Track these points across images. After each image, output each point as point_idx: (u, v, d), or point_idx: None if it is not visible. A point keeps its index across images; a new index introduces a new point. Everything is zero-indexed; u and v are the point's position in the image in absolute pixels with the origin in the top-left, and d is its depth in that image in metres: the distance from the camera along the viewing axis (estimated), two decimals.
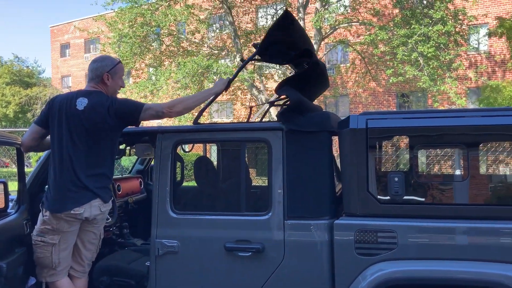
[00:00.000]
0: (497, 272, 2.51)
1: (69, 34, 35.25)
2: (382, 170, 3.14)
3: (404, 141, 3.01)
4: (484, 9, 18.79)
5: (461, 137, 2.78)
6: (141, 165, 5.10)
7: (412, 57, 13.50)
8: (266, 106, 3.85)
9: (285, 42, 3.20)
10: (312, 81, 3.24)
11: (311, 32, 17.07)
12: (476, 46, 19.20)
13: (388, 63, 15.62)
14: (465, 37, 15.53)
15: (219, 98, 19.48)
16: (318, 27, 15.44)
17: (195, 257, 3.05)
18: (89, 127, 3.03)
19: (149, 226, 3.17)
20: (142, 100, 17.02)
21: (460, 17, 14.60)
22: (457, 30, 14.52)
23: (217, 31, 18.92)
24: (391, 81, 14.88)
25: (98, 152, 3.07)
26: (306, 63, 3.23)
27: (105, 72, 3.15)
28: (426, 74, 13.61)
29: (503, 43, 16.76)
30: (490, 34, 15.20)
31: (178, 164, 3.73)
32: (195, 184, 3.75)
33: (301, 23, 16.08)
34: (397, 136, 3.05)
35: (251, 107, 4.21)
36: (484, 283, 2.55)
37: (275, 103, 3.57)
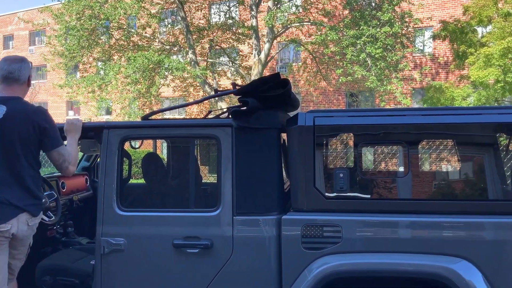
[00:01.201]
0: (436, 264, 2.63)
1: (12, 25, 33.66)
2: (328, 166, 3.22)
3: (350, 138, 3.09)
4: (429, 13, 19.55)
5: (403, 134, 2.89)
6: (87, 162, 4.96)
7: (361, 57, 13.87)
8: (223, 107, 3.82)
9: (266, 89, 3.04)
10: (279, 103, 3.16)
11: (263, 31, 17.17)
12: (421, 48, 19.96)
13: (338, 63, 15.96)
14: (411, 39, 16.12)
15: (170, 94, 19.16)
16: (271, 25, 15.55)
17: (142, 254, 3.01)
18: (10, 136, 2.73)
19: (95, 224, 3.09)
20: (90, 95, 16.56)
21: (406, 19, 15.13)
22: (403, 32, 15.04)
23: (169, 26, 18.64)
24: (340, 80, 15.22)
25: (20, 165, 2.77)
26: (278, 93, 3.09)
27: (29, 73, 2.89)
28: (373, 74, 14.03)
29: (446, 46, 17.52)
30: (434, 37, 15.85)
31: (126, 161, 3.66)
32: (144, 182, 3.69)
33: (254, 21, 16.14)
34: (344, 134, 3.13)
35: (209, 111, 4.18)
36: (424, 275, 2.67)
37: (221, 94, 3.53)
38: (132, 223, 3.05)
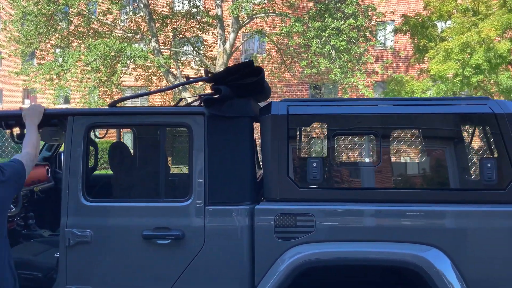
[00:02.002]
0: (406, 252, 2.67)
1: None
2: (302, 156, 3.20)
3: (324, 127, 3.08)
4: (390, 7, 19.90)
5: (378, 124, 2.90)
6: (49, 152, 4.76)
7: (325, 49, 13.97)
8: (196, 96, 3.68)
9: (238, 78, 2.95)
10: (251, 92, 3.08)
11: (228, 20, 17.02)
12: (383, 42, 20.31)
13: (303, 55, 16.03)
14: (374, 32, 16.37)
15: (131, 84, 18.72)
16: (236, 15, 15.42)
17: (110, 246, 2.91)
18: None
19: (58, 217, 2.96)
20: (48, 84, 15.96)
21: (370, 13, 15.33)
22: (366, 25, 15.25)
23: (131, 13, 18.16)
24: (305, 72, 15.30)
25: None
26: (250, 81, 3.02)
27: None
28: (337, 66, 14.17)
29: (407, 40, 17.89)
30: (395, 31, 16.13)
31: (92, 150, 3.53)
32: (110, 172, 3.57)
33: (218, 10, 15.97)
34: (317, 123, 3.11)
35: (180, 99, 4.02)
36: (394, 262, 2.70)
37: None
38: (99, 214, 2.95)
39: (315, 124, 3.12)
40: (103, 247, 2.91)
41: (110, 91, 16.66)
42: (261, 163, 3.27)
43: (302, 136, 3.08)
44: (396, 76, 15.15)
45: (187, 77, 3.28)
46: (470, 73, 12.32)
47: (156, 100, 21.97)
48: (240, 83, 2.93)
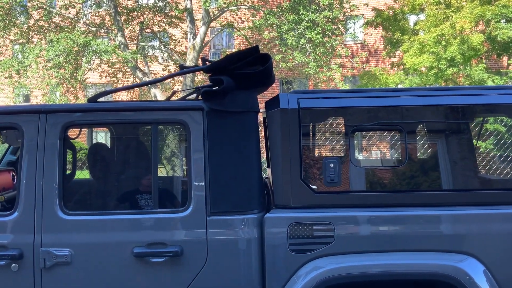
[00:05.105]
0: (444, 263, 2.34)
1: None
2: (317, 155, 2.83)
3: (341, 123, 2.70)
4: (359, 0, 19.79)
5: (406, 118, 2.55)
6: (14, 156, 4.22)
7: (301, 42, 13.67)
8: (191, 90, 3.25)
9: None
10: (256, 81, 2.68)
11: (196, 15, 16.47)
12: (355, 35, 20.21)
13: (278, 49, 15.67)
14: (346, 26, 16.20)
15: (96, 81, 17.96)
16: (207, 7, 14.89)
17: (95, 267, 2.49)
18: None
19: None
20: (7, 81, 15.05)
21: (345, 5, 15.14)
22: (341, 18, 15.05)
23: (94, 7, 17.30)
24: (280, 66, 14.96)
25: None
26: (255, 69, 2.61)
27: None
28: (312, 60, 13.88)
29: (376, 35, 17.83)
30: (367, 23, 15.99)
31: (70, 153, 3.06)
32: (91, 177, 3.10)
33: (188, 3, 15.43)
34: (334, 118, 2.74)
35: (173, 92, 3.53)
36: (430, 276, 2.37)
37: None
38: (80, 230, 2.52)
39: (332, 118, 2.74)
40: (86, 268, 2.49)
41: (74, 89, 15.85)
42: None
43: (317, 133, 2.71)
44: (373, 69, 15.03)
45: (182, 66, 2.84)
46: (445, 66, 12.29)
47: (122, 97, 21.17)
48: (244, 72, 2.53)
